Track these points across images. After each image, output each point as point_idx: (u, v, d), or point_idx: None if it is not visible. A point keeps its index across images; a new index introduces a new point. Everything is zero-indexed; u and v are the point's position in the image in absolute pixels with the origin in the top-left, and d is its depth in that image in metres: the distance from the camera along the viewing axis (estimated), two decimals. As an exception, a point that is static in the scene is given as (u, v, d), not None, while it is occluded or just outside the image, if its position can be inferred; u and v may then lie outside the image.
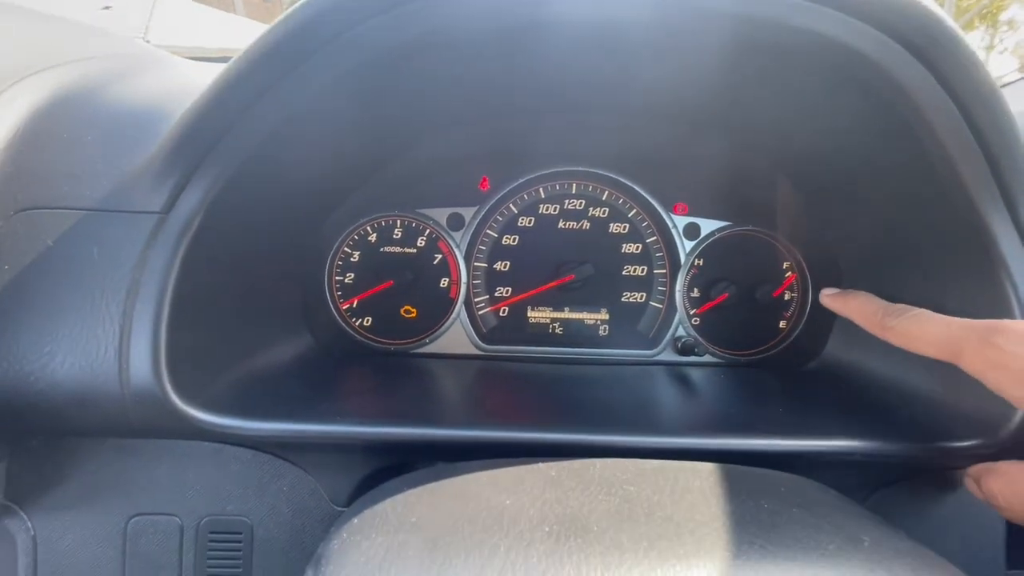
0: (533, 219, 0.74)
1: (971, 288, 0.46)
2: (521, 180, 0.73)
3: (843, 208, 0.61)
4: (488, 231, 0.73)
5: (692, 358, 0.73)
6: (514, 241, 0.74)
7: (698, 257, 0.74)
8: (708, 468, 0.39)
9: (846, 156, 0.54)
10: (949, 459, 0.46)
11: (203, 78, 0.47)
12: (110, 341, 0.40)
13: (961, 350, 0.40)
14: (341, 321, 0.72)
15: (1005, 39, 16.37)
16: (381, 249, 0.72)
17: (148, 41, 1.48)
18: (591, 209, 0.74)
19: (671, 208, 0.73)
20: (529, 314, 0.75)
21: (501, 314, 0.75)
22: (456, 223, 0.73)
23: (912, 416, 0.50)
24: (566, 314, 0.75)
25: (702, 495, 0.35)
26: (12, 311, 0.40)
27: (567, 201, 0.74)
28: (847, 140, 0.52)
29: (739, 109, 0.55)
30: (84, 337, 0.40)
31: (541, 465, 0.38)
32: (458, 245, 0.73)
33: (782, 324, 0.75)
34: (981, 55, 0.40)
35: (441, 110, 0.58)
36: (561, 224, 0.74)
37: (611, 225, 0.74)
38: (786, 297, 0.74)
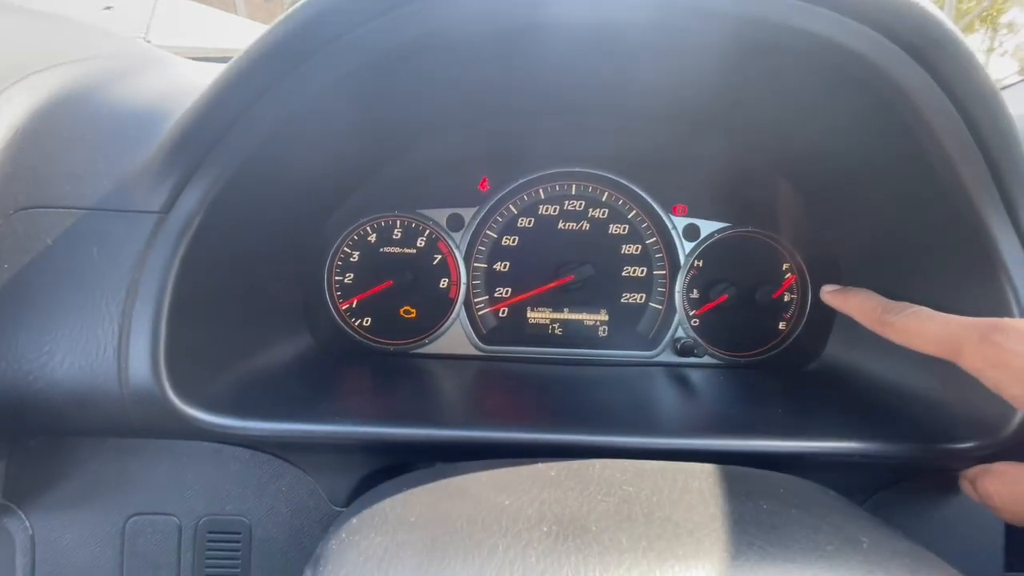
0: (533, 220, 0.74)
1: (970, 289, 0.46)
2: (521, 181, 0.73)
3: (843, 208, 0.61)
4: (488, 232, 0.73)
5: (692, 359, 0.73)
6: (514, 242, 0.74)
7: (698, 258, 0.74)
8: (707, 469, 0.39)
9: (846, 156, 0.54)
10: (949, 460, 0.46)
11: (203, 78, 0.47)
12: (109, 340, 0.40)
13: (961, 347, 0.40)
14: (341, 321, 0.72)
15: (1005, 42, 16.42)
16: (381, 249, 0.72)
17: (149, 41, 1.48)
18: (591, 210, 0.74)
19: (671, 209, 0.73)
20: (529, 315, 0.75)
21: (501, 315, 0.75)
22: (456, 224, 0.73)
23: (912, 418, 0.50)
24: (566, 315, 0.75)
25: (701, 496, 0.35)
26: (11, 310, 0.40)
27: (567, 202, 0.74)
28: (847, 140, 0.52)
29: (738, 110, 0.55)
30: (83, 336, 0.40)
31: (540, 465, 0.38)
32: (458, 246, 0.73)
33: (782, 325, 0.75)
34: (981, 58, 0.40)
35: (439, 111, 0.58)
36: (561, 225, 0.74)
37: (611, 226, 0.74)
38: (786, 298, 0.74)
